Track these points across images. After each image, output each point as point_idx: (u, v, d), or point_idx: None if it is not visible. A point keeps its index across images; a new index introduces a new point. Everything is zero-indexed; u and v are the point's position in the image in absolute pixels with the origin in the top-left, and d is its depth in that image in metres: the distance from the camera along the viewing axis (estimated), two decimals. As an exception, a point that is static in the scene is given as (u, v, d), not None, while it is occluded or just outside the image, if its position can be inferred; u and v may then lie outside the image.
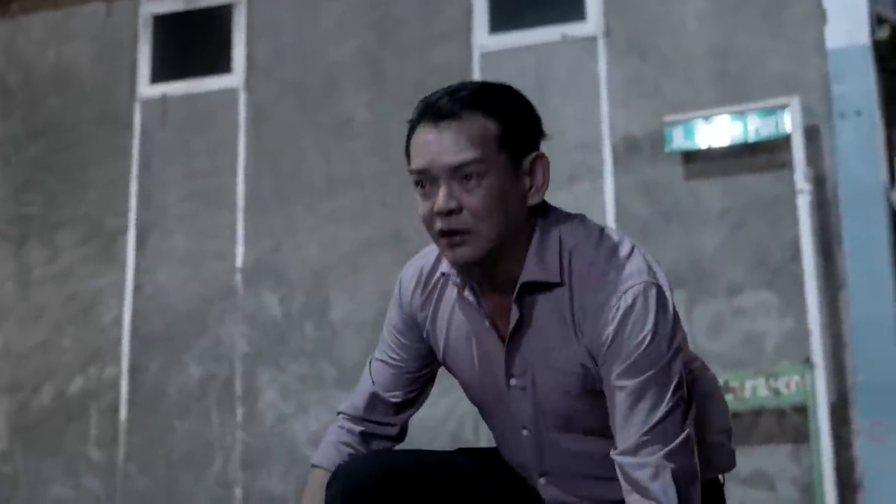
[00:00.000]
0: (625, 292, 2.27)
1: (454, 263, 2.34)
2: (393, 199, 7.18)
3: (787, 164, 6.48)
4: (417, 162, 2.30)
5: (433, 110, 2.29)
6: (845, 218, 6.40)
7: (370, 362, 2.65)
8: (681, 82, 6.84)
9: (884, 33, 6.67)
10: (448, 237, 2.29)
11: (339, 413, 2.66)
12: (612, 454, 2.29)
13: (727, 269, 6.54)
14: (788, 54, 6.68)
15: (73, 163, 7.94)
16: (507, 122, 2.29)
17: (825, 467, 6.06)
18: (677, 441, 2.25)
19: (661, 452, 2.24)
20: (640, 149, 6.79)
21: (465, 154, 2.25)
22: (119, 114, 7.89)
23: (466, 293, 2.41)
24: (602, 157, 6.83)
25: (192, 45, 8.02)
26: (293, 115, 7.55)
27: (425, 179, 2.30)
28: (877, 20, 6.71)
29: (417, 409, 2.67)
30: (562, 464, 2.46)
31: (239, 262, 7.41)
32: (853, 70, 6.50)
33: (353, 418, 2.62)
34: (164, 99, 7.82)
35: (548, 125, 2.42)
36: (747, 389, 6.21)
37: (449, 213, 2.26)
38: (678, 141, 6.62)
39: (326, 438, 2.63)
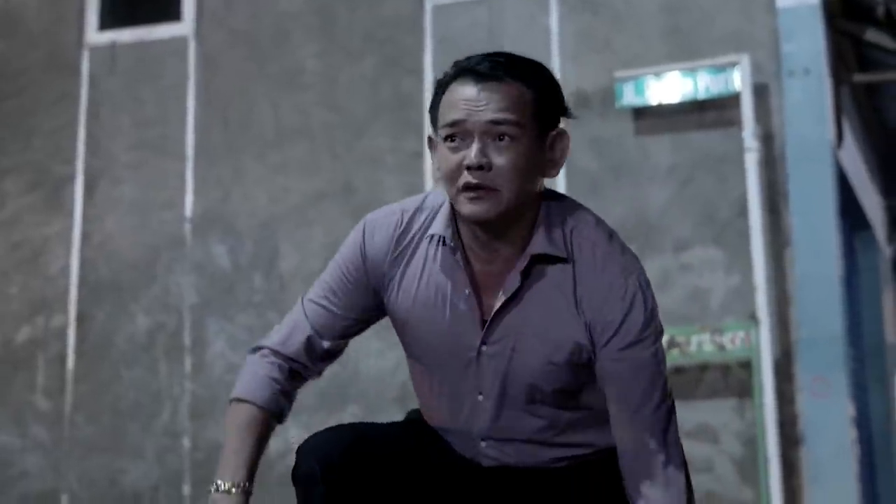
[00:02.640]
0: (630, 275, 2.41)
1: (470, 218, 2.37)
2: (343, 150, 7.16)
3: (735, 122, 6.52)
4: (454, 114, 2.36)
5: (474, 70, 2.37)
6: (792, 176, 6.46)
7: (303, 302, 2.61)
8: (632, 38, 6.85)
9: (834, -8, 6.72)
10: (471, 191, 2.34)
11: (260, 347, 2.60)
12: (626, 441, 2.54)
13: (675, 225, 6.58)
14: (739, 11, 6.71)
15: (19, 109, 7.84)
16: (542, 94, 2.38)
17: (768, 422, 6.16)
18: (679, 448, 2.63)
19: (674, 454, 2.61)
20: (590, 104, 6.80)
21: (505, 114, 2.33)
22: (67, 60, 7.79)
23: (458, 257, 2.45)
24: (552, 111, 6.82)
25: (141, -8, 7.94)
26: (243, 65, 7.49)
27: (458, 133, 2.36)
28: (827, -21, 6.76)
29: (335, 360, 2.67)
30: (510, 429, 2.51)
31: (188, 211, 7.37)
32: (803, 29, 6.54)
33: (283, 356, 2.58)
34: (113, 46, 7.73)
35: None
36: (693, 344, 6.28)
37: (479, 167, 2.32)
38: (628, 97, 6.64)
39: (251, 370, 2.58)
